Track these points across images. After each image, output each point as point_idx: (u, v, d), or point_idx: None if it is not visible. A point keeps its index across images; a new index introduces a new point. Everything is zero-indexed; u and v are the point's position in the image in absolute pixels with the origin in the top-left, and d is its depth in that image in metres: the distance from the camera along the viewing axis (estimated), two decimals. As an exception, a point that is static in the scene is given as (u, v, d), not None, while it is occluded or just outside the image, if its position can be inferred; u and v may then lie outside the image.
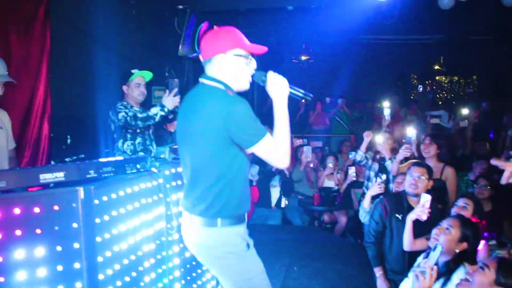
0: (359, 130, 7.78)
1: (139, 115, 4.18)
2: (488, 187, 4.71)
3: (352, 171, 6.10)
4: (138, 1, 6.06)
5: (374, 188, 4.39)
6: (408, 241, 3.63)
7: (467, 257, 3.00)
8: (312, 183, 6.61)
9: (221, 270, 2.45)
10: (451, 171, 4.72)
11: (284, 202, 6.05)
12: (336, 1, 6.86)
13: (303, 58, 11.34)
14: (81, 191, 2.11)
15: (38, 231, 2.03)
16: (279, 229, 6.03)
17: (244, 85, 2.44)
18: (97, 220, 2.21)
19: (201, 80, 2.42)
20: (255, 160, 5.63)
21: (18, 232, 1.99)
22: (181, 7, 6.92)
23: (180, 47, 6.57)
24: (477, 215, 3.59)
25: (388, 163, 4.94)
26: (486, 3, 7.47)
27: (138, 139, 4.38)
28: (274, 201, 6.03)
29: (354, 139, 8.46)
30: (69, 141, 4.59)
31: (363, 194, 5.86)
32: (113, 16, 5.45)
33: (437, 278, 2.90)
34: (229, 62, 2.35)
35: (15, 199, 2.02)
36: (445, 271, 2.98)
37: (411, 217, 3.62)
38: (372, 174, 5.57)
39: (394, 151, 5.03)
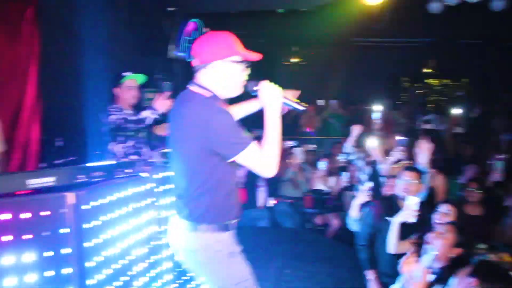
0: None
1: (130, 118, 4.17)
2: (478, 191, 4.73)
3: (345, 175, 6.10)
4: (128, 3, 6.03)
5: (361, 196, 4.38)
6: (392, 243, 3.64)
7: (462, 262, 3.01)
8: (297, 184, 6.57)
9: (205, 275, 2.45)
10: (440, 177, 4.72)
11: (271, 202, 6.03)
12: (327, 5, 6.87)
13: (294, 60, 11.36)
14: (70, 196, 2.09)
15: (28, 236, 2.00)
16: (270, 231, 6.01)
17: (237, 92, 2.42)
18: (86, 226, 2.19)
19: (189, 86, 2.40)
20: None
21: (7, 238, 1.96)
22: (171, 9, 6.89)
23: (169, 49, 6.55)
24: (460, 221, 3.58)
25: (381, 166, 4.95)
26: (475, 8, 7.53)
27: (130, 142, 4.36)
28: (261, 201, 6.00)
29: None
30: (59, 143, 4.54)
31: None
32: (103, 18, 5.41)
33: (432, 284, 2.91)
34: (227, 69, 2.33)
35: (5, 204, 1.99)
36: (441, 277, 2.97)
37: (397, 220, 3.64)
38: (364, 177, 5.58)
39: (386, 153, 5.04)
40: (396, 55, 11.76)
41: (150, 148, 4.43)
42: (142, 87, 5.30)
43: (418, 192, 4.01)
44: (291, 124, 10.15)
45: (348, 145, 5.61)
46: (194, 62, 2.37)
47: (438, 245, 2.98)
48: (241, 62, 2.35)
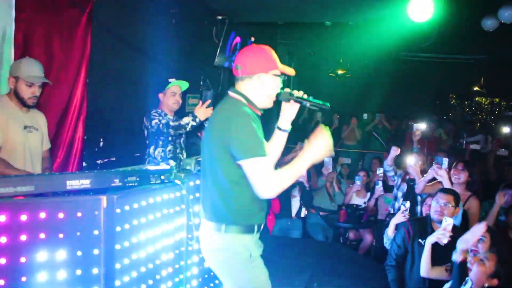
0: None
1: (171, 123, 4.30)
2: None
3: (379, 186, 6.05)
4: (179, 10, 6.19)
5: (398, 216, 4.30)
6: (425, 266, 3.58)
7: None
8: (331, 197, 6.55)
9: (222, 274, 2.53)
10: (476, 202, 4.60)
11: (304, 212, 6.03)
12: (374, 19, 6.84)
13: (340, 72, 11.32)
14: (104, 200, 2.20)
15: (61, 235, 2.12)
16: (302, 243, 6.00)
17: (270, 104, 2.57)
18: (118, 228, 2.29)
19: (229, 92, 2.56)
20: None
21: (42, 235, 2.08)
22: (220, 17, 7.04)
23: (217, 57, 6.69)
24: (495, 247, 3.47)
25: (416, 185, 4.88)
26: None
27: (169, 147, 4.50)
28: (295, 210, 6.03)
29: (387, 155, 8.36)
30: (101, 144, 4.73)
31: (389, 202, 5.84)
32: (152, 25, 5.60)
33: None
34: (269, 81, 2.49)
35: (41, 204, 2.11)
36: None
37: (430, 240, 3.57)
38: (399, 194, 5.51)
39: (424, 172, 4.96)
40: (445, 71, 11.55)
41: (187, 154, 4.56)
42: (186, 93, 5.46)
43: (453, 216, 3.94)
44: (332, 135, 10.10)
45: (387, 164, 5.59)
46: (238, 72, 2.51)
47: (476, 272, 2.91)
48: (279, 76, 2.52)
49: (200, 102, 4.42)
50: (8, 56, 3.66)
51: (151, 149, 4.49)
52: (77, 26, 4.34)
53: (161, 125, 4.29)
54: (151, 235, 2.59)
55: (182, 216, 2.91)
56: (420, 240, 3.85)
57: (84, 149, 4.42)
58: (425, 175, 4.80)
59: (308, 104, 2.59)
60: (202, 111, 4.25)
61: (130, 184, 2.50)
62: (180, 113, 4.73)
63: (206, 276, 3.19)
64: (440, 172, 4.52)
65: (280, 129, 2.76)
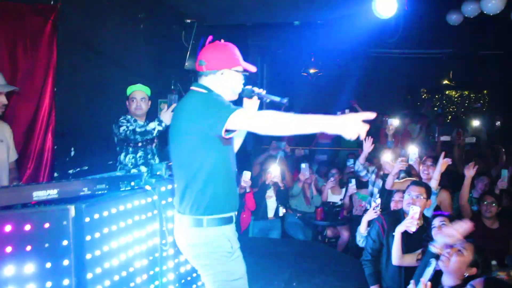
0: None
1: (138, 129, 4.26)
2: (494, 204, 4.67)
3: (352, 184, 6.09)
4: (146, 15, 6.15)
5: (370, 213, 4.37)
6: (396, 254, 3.64)
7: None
8: (308, 200, 6.58)
9: (203, 269, 2.52)
10: (446, 193, 4.71)
11: (281, 211, 6.04)
12: (341, 18, 6.91)
13: (312, 71, 11.41)
14: (72, 209, 2.17)
15: (28, 248, 2.08)
16: (280, 242, 6.02)
17: (232, 98, 2.63)
18: (88, 237, 2.26)
19: (192, 87, 2.60)
20: (246, 166, 5.68)
21: (8, 249, 2.04)
22: (188, 21, 7.02)
23: (187, 61, 6.66)
24: (480, 238, 3.54)
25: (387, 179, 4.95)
26: (495, 19, 7.47)
27: (140, 153, 4.46)
28: (272, 211, 6.01)
29: (361, 152, 8.44)
30: (72, 153, 4.66)
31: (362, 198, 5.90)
32: (120, 31, 5.55)
33: None
34: (232, 77, 2.57)
35: (7, 216, 2.07)
36: None
37: (400, 229, 3.65)
38: (375, 190, 5.56)
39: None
40: (415, 66, 11.73)
41: (160, 160, 4.52)
42: (158, 97, 5.42)
43: (426, 208, 4.01)
44: (307, 135, 10.16)
45: (360, 161, 5.63)
46: (202, 67, 2.56)
47: (455, 262, 2.94)
48: (242, 72, 2.61)
49: (166, 106, 4.40)
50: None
51: (122, 156, 4.44)
52: (41, 34, 4.25)
53: (128, 132, 4.25)
54: (123, 242, 2.57)
55: (155, 222, 2.90)
56: (394, 233, 3.90)
57: (54, 159, 4.34)
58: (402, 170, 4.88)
59: (268, 100, 2.71)
60: (168, 115, 4.22)
61: (100, 192, 2.48)
62: (153, 118, 4.69)
63: (183, 281, 3.18)
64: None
65: None
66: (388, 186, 4.82)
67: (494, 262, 3.92)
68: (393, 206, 4.47)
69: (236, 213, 2.61)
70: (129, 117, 4.43)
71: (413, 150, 5.47)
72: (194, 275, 3.22)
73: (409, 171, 5.12)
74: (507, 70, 11.32)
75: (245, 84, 2.68)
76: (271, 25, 8.18)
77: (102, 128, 4.83)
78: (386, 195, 5.09)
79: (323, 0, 6.26)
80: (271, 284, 4.57)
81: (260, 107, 2.73)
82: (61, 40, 4.40)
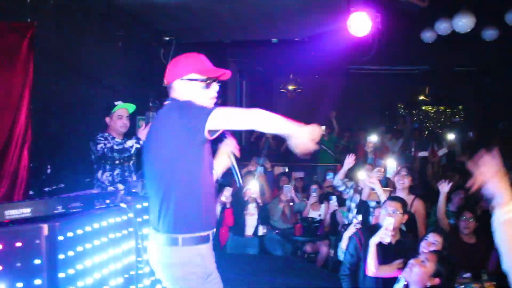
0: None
1: (116, 147, 4.26)
2: (472, 220, 4.71)
3: (333, 201, 6.14)
4: (125, 32, 6.17)
5: (351, 229, 4.43)
6: (371, 265, 3.66)
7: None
8: (286, 218, 6.57)
9: None
10: (421, 203, 4.81)
11: (261, 231, 6.01)
12: (318, 35, 7.02)
13: (291, 87, 11.51)
14: (45, 228, 2.15)
15: (0, 267, 2.06)
16: (259, 259, 5.99)
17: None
18: (61, 256, 2.24)
19: (165, 103, 2.56)
20: (227, 182, 5.68)
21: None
22: (167, 38, 7.06)
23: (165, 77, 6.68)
24: (447, 250, 3.61)
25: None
26: (467, 38, 7.68)
27: (117, 171, 4.45)
28: (251, 229, 5.98)
29: (340, 168, 8.51)
30: (49, 171, 4.62)
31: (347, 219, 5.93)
32: (98, 48, 5.56)
33: None
34: (185, 87, 2.46)
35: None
36: None
37: (374, 240, 3.68)
38: (353, 205, 5.61)
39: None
40: (392, 82, 11.97)
41: (138, 177, 4.51)
42: (136, 114, 5.42)
43: (401, 223, 4.06)
44: (285, 151, 10.24)
45: (339, 176, 5.68)
46: (164, 83, 2.55)
47: (417, 273, 3.00)
48: (202, 79, 2.47)
49: (143, 124, 4.42)
50: None
51: (99, 174, 4.43)
52: (18, 51, 4.24)
53: (105, 149, 4.25)
54: (98, 260, 2.54)
55: (131, 240, 2.88)
56: (371, 247, 3.94)
57: (30, 177, 4.29)
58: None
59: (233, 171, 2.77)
60: (145, 133, 4.23)
61: (74, 210, 2.46)
62: (132, 135, 4.69)
63: (160, 298, 3.16)
64: (372, 180, 4.74)
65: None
66: (364, 197, 4.88)
67: (468, 275, 3.99)
68: (373, 221, 4.52)
69: (214, 230, 2.55)
70: (106, 134, 4.43)
71: (391, 164, 5.56)
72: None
73: (386, 183, 5.21)
74: (480, 86, 11.62)
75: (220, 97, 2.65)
76: (250, 42, 8.27)
77: (79, 145, 4.81)
78: (363, 210, 5.15)
79: (300, 19, 6.37)
80: (251, 301, 4.56)
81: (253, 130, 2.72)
82: (37, 57, 4.39)
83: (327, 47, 7.36)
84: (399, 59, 10.37)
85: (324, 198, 6.59)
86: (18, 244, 2.09)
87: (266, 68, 10.30)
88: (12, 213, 2.17)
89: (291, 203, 6.56)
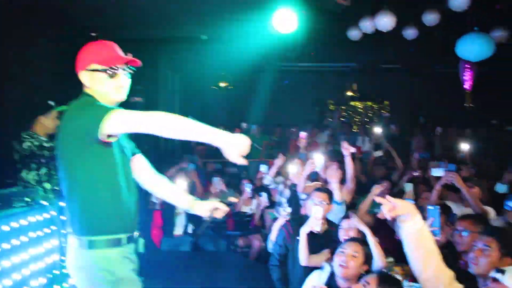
0: (277, 155, 7.97)
1: (45, 144, 4.15)
2: None
3: (264, 197, 6.21)
4: (51, 28, 5.97)
5: (280, 221, 4.46)
6: (303, 255, 3.73)
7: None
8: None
9: None
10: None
11: (191, 228, 5.99)
12: (245, 32, 7.09)
13: (222, 85, 11.54)
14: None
15: None
16: (192, 255, 5.99)
17: (115, 98, 2.40)
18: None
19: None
20: None
21: None
22: (94, 34, 6.88)
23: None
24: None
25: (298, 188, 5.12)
26: (391, 35, 8.01)
27: (43, 169, 4.31)
28: (181, 228, 5.96)
29: (272, 164, 8.65)
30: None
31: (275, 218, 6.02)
32: (23, 46, 5.35)
33: None
34: (90, 79, 2.34)
35: None
36: None
37: (304, 230, 3.74)
38: (283, 200, 5.71)
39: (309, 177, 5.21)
40: (322, 79, 12.30)
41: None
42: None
43: (328, 212, 4.18)
44: (218, 148, 10.27)
45: (268, 177, 5.76)
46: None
47: (353, 267, 3.05)
48: (104, 69, 2.33)
49: None
50: None
51: (24, 173, 4.27)
52: None
53: (33, 147, 4.13)
54: (18, 260, 2.48)
55: (54, 238, 2.82)
56: (299, 238, 4.04)
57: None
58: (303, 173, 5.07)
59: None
60: None
61: (-10, 210, 2.38)
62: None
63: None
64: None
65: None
66: (299, 189, 4.97)
67: (391, 259, 4.20)
68: (303, 212, 4.62)
69: (135, 234, 2.43)
70: (30, 132, 4.30)
71: (319, 158, 5.70)
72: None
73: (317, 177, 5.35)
74: (403, 82, 12.19)
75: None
76: (179, 39, 8.20)
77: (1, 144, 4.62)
78: (294, 204, 5.25)
79: (227, 16, 6.40)
80: (182, 297, 4.55)
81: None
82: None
83: (256, 44, 7.44)
84: (328, 56, 10.67)
85: (256, 192, 6.66)
86: None
87: (198, 66, 10.24)
88: None
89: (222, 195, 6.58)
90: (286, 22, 5.96)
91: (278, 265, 4.11)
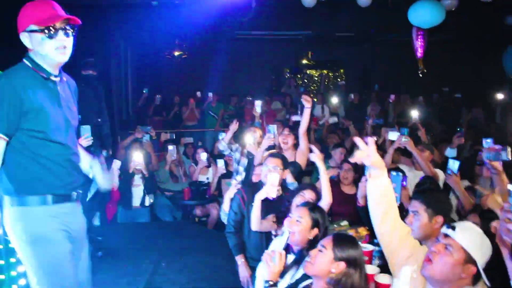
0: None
1: None
2: (351, 170, 4.99)
3: (221, 163, 6.17)
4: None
5: (232, 190, 4.42)
6: (254, 220, 3.71)
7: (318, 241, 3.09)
8: (177, 179, 6.57)
9: (20, 253, 2.34)
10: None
11: (148, 201, 5.91)
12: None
13: (176, 53, 11.31)
14: None
15: None
16: (149, 226, 5.93)
17: (56, 59, 2.35)
18: None
19: None
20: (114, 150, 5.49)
21: None
22: None
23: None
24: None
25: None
26: (345, 3, 7.98)
27: None
28: (138, 200, 5.87)
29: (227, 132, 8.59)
30: None
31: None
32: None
33: (290, 266, 3.01)
34: (29, 40, 2.30)
35: None
36: (300, 258, 3.05)
37: (260, 196, 3.68)
38: (241, 168, 5.69)
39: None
40: (278, 48, 12.23)
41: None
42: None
43: (282, 178, 4.18)
44: (173, 118, 10.15)
45: (223, 143, 5.70)
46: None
47: (296, 230, 3.04)
48: (41, 29, 2.27)
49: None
50: None
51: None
52: None
53: None
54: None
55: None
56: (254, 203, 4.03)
57: None
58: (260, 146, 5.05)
59: None
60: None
61: None
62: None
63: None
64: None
65: None
66: (256, 161, 4.95)
67: (345, 222, 4.27)
68: (254, 179, 4.61)
69: (75, 194, 2.44)
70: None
71: (274, 128, 5.68)
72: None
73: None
74: (359, 50, 12.28)
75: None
76: (129, 6, 7.90)
77: None
78: (250, 172, 5.24)
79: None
80: (139, 267, 4.49)
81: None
82: None
83: (207, 10, 7.24)
84: (282, 24, 10.56)
85: (213, 159, 6.63)
86: None
87: (151, 34, 9.92)
88: None
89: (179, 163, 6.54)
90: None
91: (233, 231, 4.09)
